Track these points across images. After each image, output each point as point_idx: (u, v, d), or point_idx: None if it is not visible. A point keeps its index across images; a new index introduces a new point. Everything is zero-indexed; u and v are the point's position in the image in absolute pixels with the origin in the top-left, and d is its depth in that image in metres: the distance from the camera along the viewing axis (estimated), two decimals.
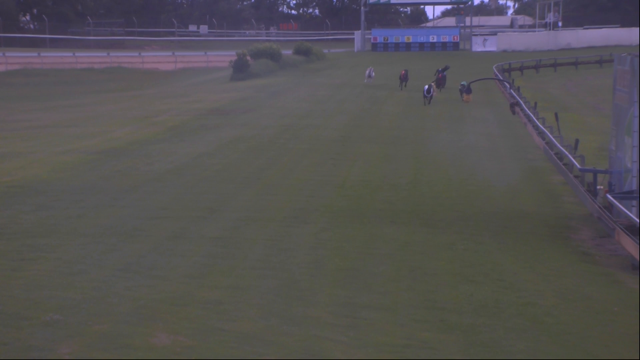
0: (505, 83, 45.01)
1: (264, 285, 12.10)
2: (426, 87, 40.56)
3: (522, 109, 33.91)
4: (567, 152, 23.59)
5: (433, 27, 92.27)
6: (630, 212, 16.50)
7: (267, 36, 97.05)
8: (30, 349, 8.75)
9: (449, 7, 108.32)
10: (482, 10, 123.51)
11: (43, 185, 20.20)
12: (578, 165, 21.71)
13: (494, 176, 22.95)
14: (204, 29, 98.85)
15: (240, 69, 58.47)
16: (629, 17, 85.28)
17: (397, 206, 18.85)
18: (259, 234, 15.57)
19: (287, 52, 66.89)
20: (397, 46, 77.59)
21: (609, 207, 17.61)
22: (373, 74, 50.74)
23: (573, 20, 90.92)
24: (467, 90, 41.36)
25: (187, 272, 12.63)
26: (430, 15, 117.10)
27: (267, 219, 16.92)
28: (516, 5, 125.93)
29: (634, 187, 17.08)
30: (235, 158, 25.29)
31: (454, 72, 58.02)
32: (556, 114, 27.96)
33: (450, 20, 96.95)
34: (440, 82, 45.33)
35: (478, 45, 77.50)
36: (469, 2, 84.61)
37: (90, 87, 56.52)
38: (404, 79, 47.59)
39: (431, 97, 40.31)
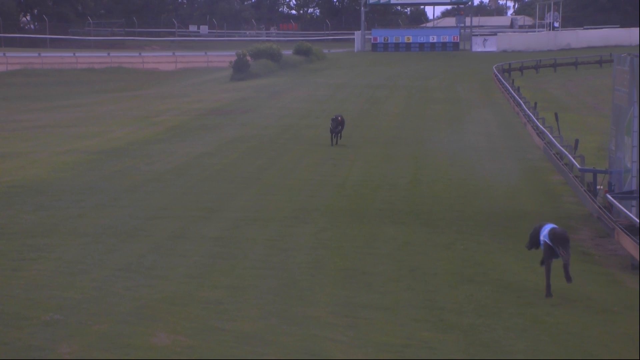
0: None
1: (264, 285, 12.11)
2: None
3: None
4: (566, 152, 23.59)
5: (433, 27, 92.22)
6: (630, 212, 16.50)
7: (267, 36, 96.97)
8: (31, 348, 8.76)
9: (449, 7, 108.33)
10: (482, 10, 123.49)
11: (43, 185, 20.20)
12: (578, 165, 21.71)
13: (494, 176, 22.94)
14: (204, 29, 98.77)
15: (240, 69, 58.45)
16: (629, 17, 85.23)
17: (397, 206, 18.85)
18: (259, 234, 15.57)
19: (287, 52, 66.85)
20: (397, 46, 77.57)
21: (609, 207, 17.61)
22: None
23: (573, 20, 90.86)
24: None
25: (187, 272, 12.63)
26: (430, 15, 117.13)
27: (267, 219, 16.93)
28: (516, 6, 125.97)
29: (634, 187, 17.09)
30: (235, 158, 25.29)
31: (453, 75, 57.94)
32: (556, 114, 27.95)
33: (450, 21, 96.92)
34: None
35: (478, 46, 77.47)
36: (469, 3, 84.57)
37: (91, 87, 56.48)
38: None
39: None
